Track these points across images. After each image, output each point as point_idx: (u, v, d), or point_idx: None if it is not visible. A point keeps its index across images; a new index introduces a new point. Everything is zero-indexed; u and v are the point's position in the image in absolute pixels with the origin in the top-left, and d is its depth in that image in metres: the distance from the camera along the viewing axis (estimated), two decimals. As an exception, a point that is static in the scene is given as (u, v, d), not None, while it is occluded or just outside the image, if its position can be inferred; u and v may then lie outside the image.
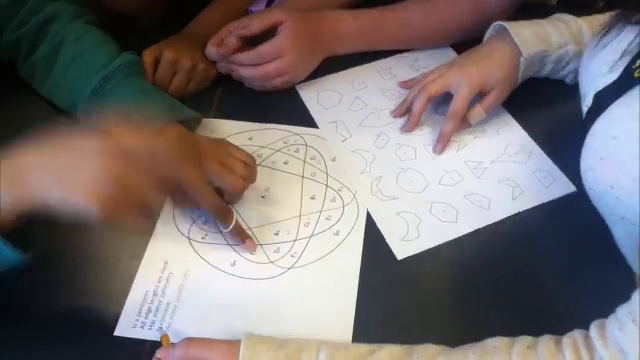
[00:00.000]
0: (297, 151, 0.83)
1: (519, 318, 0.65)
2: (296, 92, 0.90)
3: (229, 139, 0.83)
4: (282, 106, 0.89)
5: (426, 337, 0.63)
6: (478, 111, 0.81)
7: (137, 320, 0.66)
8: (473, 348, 0.58)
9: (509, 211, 0.75)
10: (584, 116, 0.66)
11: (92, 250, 0.73)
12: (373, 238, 0.73)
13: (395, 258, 0.71)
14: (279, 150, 0.83)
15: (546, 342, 0.56)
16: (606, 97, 0.62)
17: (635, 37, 0.61)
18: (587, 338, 0.54)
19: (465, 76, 0.80)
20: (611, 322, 0.54)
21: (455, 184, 0.78)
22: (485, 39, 0.85)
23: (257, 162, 0.80)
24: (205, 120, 0.86)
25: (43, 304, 0.68)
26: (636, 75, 0.60)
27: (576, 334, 0.55)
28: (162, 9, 1.01)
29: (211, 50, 0.87)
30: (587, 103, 0.66)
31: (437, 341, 0.63)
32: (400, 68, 0.93)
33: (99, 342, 0.64)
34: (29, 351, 0.64)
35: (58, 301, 0.68)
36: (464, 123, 0.82)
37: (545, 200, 0.75)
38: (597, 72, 0.66)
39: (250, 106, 0.89)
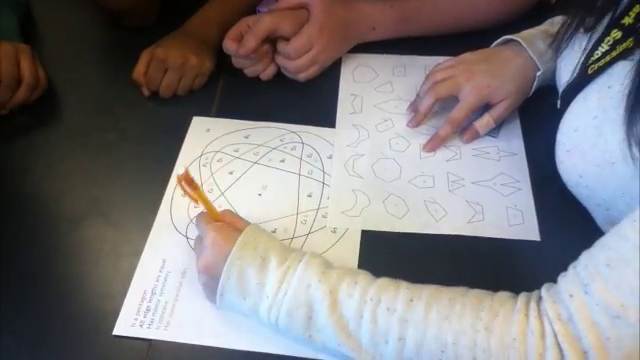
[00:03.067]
0: (294, 149, 0.83)
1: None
2: (298, 88, 0.90)
3: (225, 137, 0.84)
4: (283, 104, 0.89)
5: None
6: (487, 121, 0.81)
7: (136, 319, 0.66)
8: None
9: (456, 230, 0.73)
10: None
11: (90, 249, 0.73)
12: (370, 235, 0.73)
13: (392, 254, 0.71)
14: (275, 148, 0.83)
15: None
16: (569, 94, 0.66)
17: (589, 38, 0.65)
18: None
19: (475, 87, 0.79)
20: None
21: (423, 187, 0.78)
22: (493, 46, 0.83)
23: (254, 160, 0.81)
24: (200, 119, 0.87)
25: (42, 304, 0.68)
26: (589, 72, 0.63)
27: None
28: (157, 6, 1.01)
29: (229, 45, 0.86)
30: (559, 102, 0.69)
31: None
32: None
33: (98, 341, 0.65)
34: (28, 350, 0.64)
35: (57, 300, 0.68)
36: (474, 133, 0.82)
37: (499, 236, 0.72)
38: (563, 72, 0.70)
39: (251, 103, 0.89)
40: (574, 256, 0.70)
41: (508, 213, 0.74)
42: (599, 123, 0.60)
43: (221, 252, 0.62)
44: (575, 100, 0.64)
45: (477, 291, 0.58)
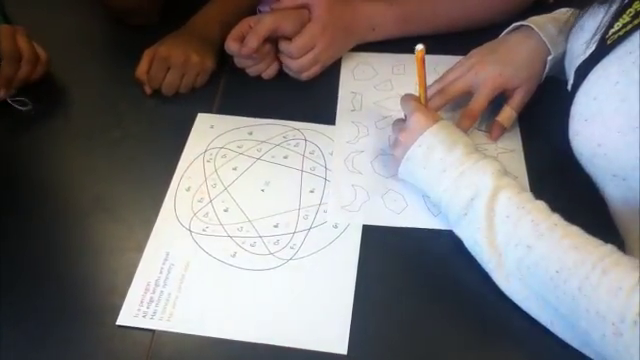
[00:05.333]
0: (297, 146, 0.84)
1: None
2: (299, 87, 0.91)
3: (229, 133, 0.85)
4: (283, 102, 0.90)
5: (425, 325, 0.66)
6: (509, 113, 0.81)
7: (139, 310, 0.67)
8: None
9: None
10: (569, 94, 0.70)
11: (95, 244, 0.74)
12: (370, 230, 0.74)
13: (393, 249, 0.72)
14: (279, 145, 0.84)
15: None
16: (585, 68, 0.66)
17: (605, 14, 0.66)
18: None
19: (487, 78, 0.79)
20: None
21: None
22: (503, 34, 0.83)
23: (257, 156, 0.82)
24: (205, 115, 0.88)
25: (48, 296, 0.69)
26: (609, 42, 0.63)
27: None
28: (160, 5, 1.02)
29: (231, 46, 0.87)
30: (571, 81, 0.70)
31: (436, 329, 0.65)
32: (447, 68, 0.90)
33: (102, 332, 0.66)
34: (33, 341, 0.65)
35: (62, 293, 0.69)
36: (499, 128, 0.81)
37: None
38: (576, 52, 0.70)
39: (252, 101, 0.90)
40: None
41: None
42: (622, 88, 0.60)
43: (421, 126, 0.71)
44: (593, 71, 0.64)
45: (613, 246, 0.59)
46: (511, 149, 0.82)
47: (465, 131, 0.80)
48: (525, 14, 0.84)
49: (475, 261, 0.70)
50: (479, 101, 0.79)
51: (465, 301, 0.68)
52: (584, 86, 0.66)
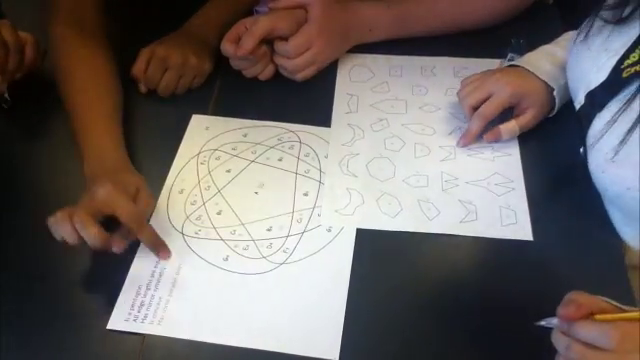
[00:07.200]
0: (291, 148, 0.83)
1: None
2: (294, 88, 0.91)
3: (224, 135, 0.85)
4: (279, 103, 0.89)
5: (419, 331, 0.65)
6: (512, 126, 0.80)
7: (130, 314, 0.67)
8: None
9: (449, 230, 0.73)
10: (576, 111, 0.68)
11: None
12: (364, 233, 0.73)
13: (387, 253, 0.72)
14: (273, 147, 0.83)
15: None
16: (599, 96, 0.64)
17: (629, 38, 0.63)
18: None
19: (508, 83, 0.78)
20: None
21: (417, 187, 0.78)
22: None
23: (252, 158, 0.82)
24: (200, 117, 0.87)
25: (38, 298, 0.69)
26: (624, 75, 0.61)
27: None
28: None
29: (227, 47, 0.87)
30: (579, 100, 0.68)
31: (430, 335, 0.65)
32: (444, 71, 0.92)
33: (92, 335, 0.65)
34: (23, 344, 0.65)
35: (52, 294, 0.69)
36: (497, 134, 0.80)
37: (492, 235, 0.72)
38: (585, 70, 0.68)
39: (248, 102, 0.90)
40: (566, 256, 0.71)
41: (501, 213, 0.74)
42: None
43: None
44: (613, 105, 0.62)
45: None
46: (508, 153, 0.81)
47: (476, 132, 0.80)
48: (524, 14, 0.84)
49: (471, 264, 0.70)
50: (493, 104, 0.78)
51: (459, 306, 0.67)
52: (604, 121, 0.62)
